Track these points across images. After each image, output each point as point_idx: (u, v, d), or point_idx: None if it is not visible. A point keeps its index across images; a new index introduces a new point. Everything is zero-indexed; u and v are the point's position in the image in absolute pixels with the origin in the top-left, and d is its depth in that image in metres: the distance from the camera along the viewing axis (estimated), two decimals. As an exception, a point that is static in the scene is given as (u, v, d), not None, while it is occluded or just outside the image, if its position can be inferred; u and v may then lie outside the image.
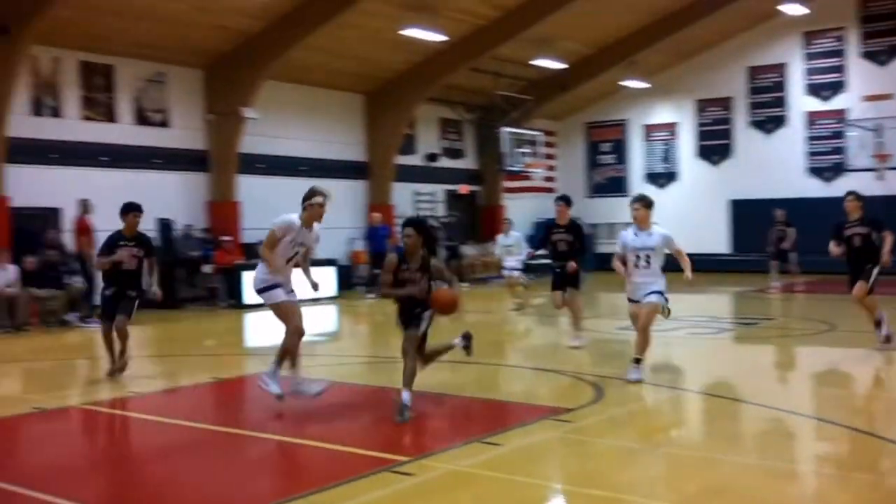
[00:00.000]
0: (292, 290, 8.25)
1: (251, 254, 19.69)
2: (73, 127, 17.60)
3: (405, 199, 24.47)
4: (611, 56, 25.12)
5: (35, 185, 16.59)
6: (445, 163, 26.07)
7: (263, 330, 16.07)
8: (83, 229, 15.92)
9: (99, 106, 18.09)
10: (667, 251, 9.16)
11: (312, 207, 8.16)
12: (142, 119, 18.85)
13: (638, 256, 9.04)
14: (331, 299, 19.30)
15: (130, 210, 10.16)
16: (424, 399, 8.02)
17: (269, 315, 16.63)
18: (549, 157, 28.46)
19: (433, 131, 25.82)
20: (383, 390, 9.11)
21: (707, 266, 25.32)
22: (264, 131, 20.19)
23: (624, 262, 9.22)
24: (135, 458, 6.92)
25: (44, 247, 16.13)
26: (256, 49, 18.94)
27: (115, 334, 9.86)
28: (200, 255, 18.77)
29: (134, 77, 18.63)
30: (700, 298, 17.75)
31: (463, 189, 26.68)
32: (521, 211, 26.46)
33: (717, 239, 26.47)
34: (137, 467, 6.50)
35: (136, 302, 10.03)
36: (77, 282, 15.90)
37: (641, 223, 9.16)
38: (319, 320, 17.18)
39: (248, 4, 17.33)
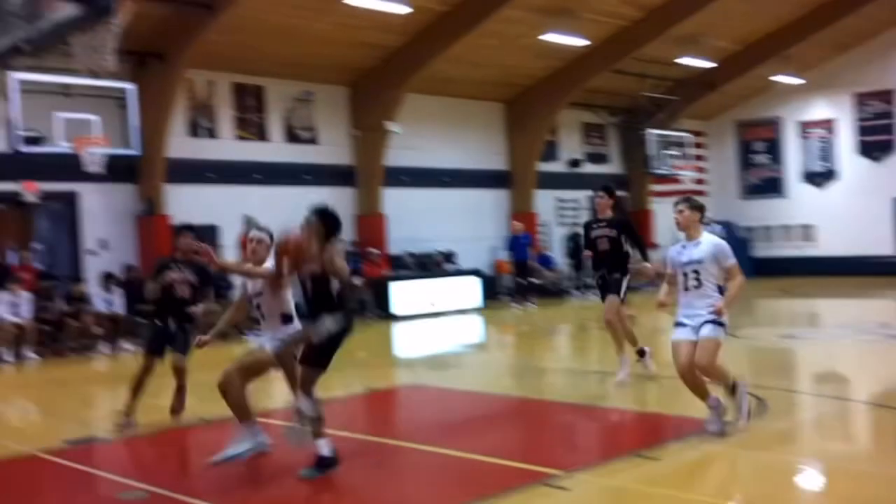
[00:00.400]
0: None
1: (398, 265, 20.00)
2: (227, 146, 18.33)
3: (548, 206, 24.27)
4: (761, 51, 24.15)
5: (193, 203, 17.25)
6: (589, 168, 25.68)
7: (412, 340, 16.27)
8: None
9: (251, 125, 18.77)
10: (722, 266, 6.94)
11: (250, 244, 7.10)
12: (291, 137, 19.44)
13: (686, 275, 6.95)
14: (475, 310, 19.31)
15: (184, 231, 8.86)
16: (576, 411, 7.86)
17: (416, 326, 16.82)
18: (699, 158, 27.62)
19: (576, 136, 25.50)
20: (532, 401, 9.00)
21: (870, 269, 24.08)
22: (408, 144, 20.42)
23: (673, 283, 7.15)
24: (294, 467, 7.01)
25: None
26: (399, 64, 19.23)
27: (153, 370, 8.34)
28: (349, 268, 19.12)
29: (283, 96, 19.23)
30: (866, 303, 16.79)
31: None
32: (670, 215, 25.75)
33: (880, 240, 24.98)
34: (296, 477, 6.58)
35: (190, 336, 8.35)
36: (235, 295, 16.47)
37: (687, 230, 7.18)
38: (465, 331, 17.24)
39: (389, 20, 17.57)
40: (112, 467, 7.13)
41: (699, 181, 27.78)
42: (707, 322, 6.77)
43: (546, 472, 6.01)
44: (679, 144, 24.68)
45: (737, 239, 26.12)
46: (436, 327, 17.32)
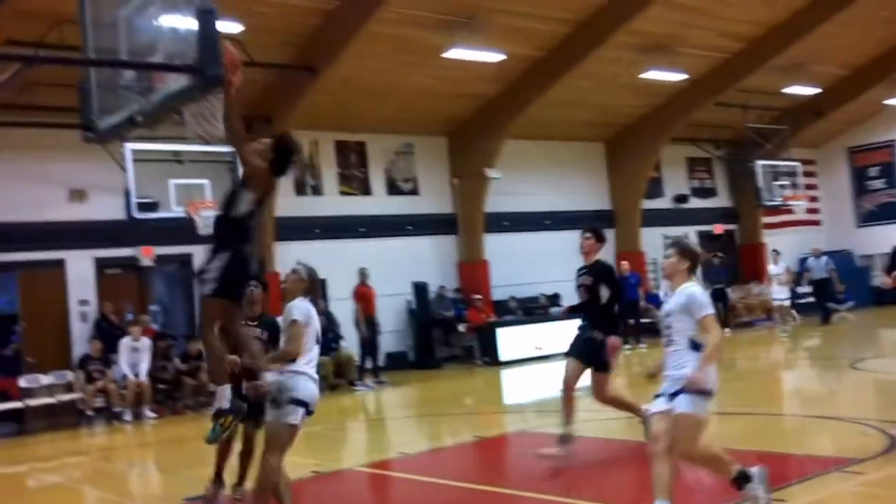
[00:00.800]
0: None
1: (501, 311, 19.98)
2: (332, 202, 18.81)
3: (655, 243, 23.89)
4: (871, 75, 23.38)
5: (301, 259, 17.69)
6: (695, 203, 25.25)
7: (519, 387, 16.16)
8: (361, 296, 16.73)
9: (354, 181, 19.25)
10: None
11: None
12: (393, 189, 19.84)
13: (663, 330, 5.75)
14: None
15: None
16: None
17: (523, 372, 16.59)
18: (810, 187, 26.79)
19: (680, 172, 25.15)
20: (647, 445, 8.81)
21: None
22: (507, 189, 20.49)
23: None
24: None
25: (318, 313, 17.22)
26: (496, 111, 19.41)
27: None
28: (454, 315, 19.22)
29: (384, 150, 19.67)
30: None
31: (717, 229, 25.67)
32: (785, 246, 24.99)
33: None
34: None
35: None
36: (346, 347, 16.75)
37: (671, 279, 5.98)
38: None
39: (485, 69, 17.81)
40: None
41: (812, 210, 26.96)
42: (679, 392, 5.41)
43: None
44: (789, 174, 24.00)
45: (855, 268, 25.18)
46: (543, 372, 17.17)
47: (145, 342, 14.98)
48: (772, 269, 20.67)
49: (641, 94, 21.07)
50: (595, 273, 8.19)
